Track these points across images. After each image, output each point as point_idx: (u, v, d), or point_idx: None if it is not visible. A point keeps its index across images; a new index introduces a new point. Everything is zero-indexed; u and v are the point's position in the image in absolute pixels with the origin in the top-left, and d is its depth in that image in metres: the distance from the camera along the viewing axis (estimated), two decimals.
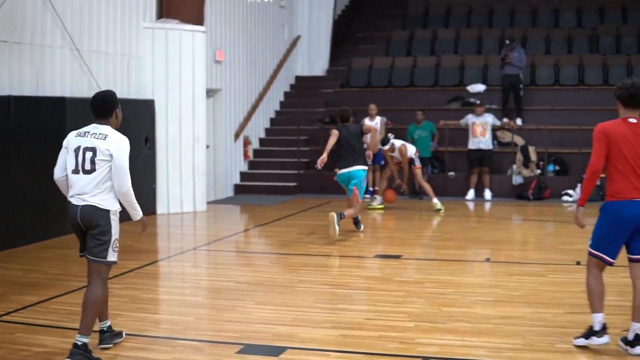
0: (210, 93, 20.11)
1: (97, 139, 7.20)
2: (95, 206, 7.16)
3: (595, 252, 7.65)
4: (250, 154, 22.86)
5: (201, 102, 18.29)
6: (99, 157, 7.16)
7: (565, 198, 20.41)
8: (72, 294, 9.69)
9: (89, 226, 7.19)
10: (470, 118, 20.47)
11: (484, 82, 24.17)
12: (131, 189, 7.38)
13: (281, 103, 25.48)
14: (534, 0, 28.67)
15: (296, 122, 23.40)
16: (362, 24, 30.13)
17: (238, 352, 7.35)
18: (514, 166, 21.11)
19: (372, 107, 20.92)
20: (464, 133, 20.66)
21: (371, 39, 28.52)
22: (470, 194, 20.56)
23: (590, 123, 21.31)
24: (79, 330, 7.04)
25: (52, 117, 14.14)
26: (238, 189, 22.03)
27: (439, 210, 17.83)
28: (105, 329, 7.62)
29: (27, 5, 13.97)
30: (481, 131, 20.26)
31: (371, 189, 20.82)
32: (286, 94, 25.93)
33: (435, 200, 17.98)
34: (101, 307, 7.35)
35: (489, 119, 20.45)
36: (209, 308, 9.45)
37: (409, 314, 8.70)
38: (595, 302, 7.48)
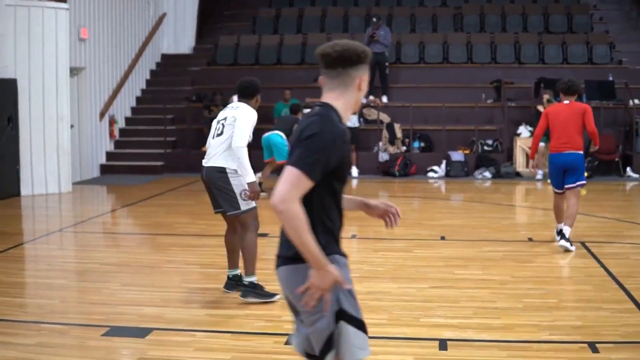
0: (74, 71, 19.76)
1: (230, 109, 8.61)
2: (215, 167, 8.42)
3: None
4: (116, 133, 22.57)
5: (65, 80, 17.94)
6: (227, 122, 8.43)
7: (430, 174, 20.79)
8: None
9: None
10: None
11: None
12: (244, 147, 8.28)
13: (147, 81, 25.19)
14: None
15: (162, 100, 23.17)
16: (228, 1, 29.95)
17: (104, 335, 7.29)
18: (380, 143, 21.39)
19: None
20: None
21: (238, 17, 28.42)
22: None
23: (455, 100, 22.03)
24: (245, 272, 8.46)
25: None
26: (104, 169, 21.74)
27: None
28: (230, 276, 8.81)
29: None
30: None
31: None
32: (152, 72, 25.65)
33: None
34: (255, 249, 8.48)
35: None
36: (75, 290, 9.33)
37: (276, 291, 8.76)
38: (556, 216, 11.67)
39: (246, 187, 8.32)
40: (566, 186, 11.24)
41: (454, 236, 12.37)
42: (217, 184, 8.40)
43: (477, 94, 22.36)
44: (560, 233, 11.19)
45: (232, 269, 8.84)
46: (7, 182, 16.91)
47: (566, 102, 11.33)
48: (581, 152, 11.24)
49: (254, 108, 8.62)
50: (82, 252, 11.92)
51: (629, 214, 15.12)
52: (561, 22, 25.64)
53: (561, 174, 11.30)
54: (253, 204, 8.43)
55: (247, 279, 8.42)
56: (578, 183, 11.20)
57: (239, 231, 8.53)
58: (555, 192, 11.51)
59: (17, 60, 17.18)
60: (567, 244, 10.91)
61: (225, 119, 8.50)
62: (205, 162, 8.52)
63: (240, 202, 8.35)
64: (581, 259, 10.65)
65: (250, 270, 8.41)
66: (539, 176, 19.67)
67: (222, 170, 8.34)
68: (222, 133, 8.43)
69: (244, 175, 8.28)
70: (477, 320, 7.69)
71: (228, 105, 8.80)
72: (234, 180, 8.34)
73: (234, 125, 8.33)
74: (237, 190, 8.34)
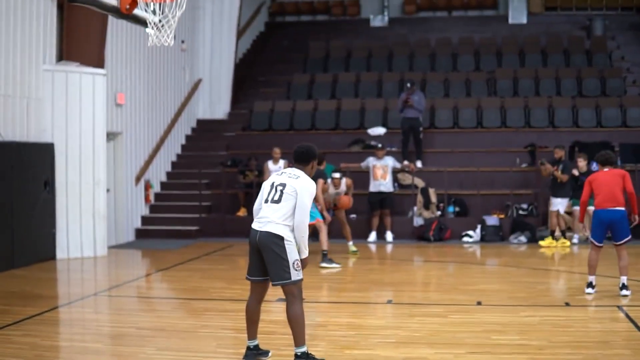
0: (110, 136, 19.93)
1: (290, 177, 8.56)
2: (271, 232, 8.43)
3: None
4: (152, 197, 22.69)
5: (101, 145, 18.10)
6: (287, 191, 8.44)
7: (465, 239, 20.69)
8: None
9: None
10: (371, 161, 20.66)
11: (384, 125, 24.48)
12: (306, 223, 8.47)
13: (182, 146, 25.38)
14: (432, 44, 29.22)
15: (198, 165, 23.33)
16: (263, 68, 30.30)
17: None
18: (415, 208, 21.35)
19: (277, 151, 21.01)
20: (365, 176, 20.81)
21: (272, 83, 28.67)
22: (372, 236, 20.69)
23: (489, 164, 22.00)
24: (295, 344, 8.39)
25: None
26: (139, 233, 21.82)
27: (355, 252, 18.03)
28: (251, 346, 8.86)
29: None
30: (382, 174, 20.45)
31: None
32: (188, 137, 25.85)
33: (350, 243, 18.18)
34: (304, 319, 8.48)
35: (390, 161, 20.67)
36: (110, 355, 9.30)
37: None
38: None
39: (298, 258, 8.40)
40: (616, 243, 12.48)
41: (490, 301, 12.26)
42: (273, 250, 8.35)
43: (512, 158, 22.32)
44: (590, 285, 12.59)
45: (253, 340, 8.85)
46: (44, 245, 17.00)
47: (605, 169, 12.68)
48: (625, 209, 12.38)
49: (310, 175, 8.68)
50: (117, 316, 11.90)
51: None
52: (594, 85, 25.61)
53: (605, 229, 12.48)
54: (302, 275, 8.45)
55: (298, 350, 8.37)
56: (626, 239, 12.40)
57: (288, 301, 8.50)
58: (595, 246, 12.57)
59: (55, 124, 17.38)
60: (627, 292, 12.23)
61: (283, 185, 8.47)
62: (260, 227, 8.46)
63: (292, 272, 8.35)
64: (619, 322, 10.53)
65: (301, 340, 8.38)
66: (575, 240, 19.54)
67: (280, 238, 8.33)
68: (279, 200, 8.41)
69: (301, 250, 8.39)
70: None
71: (286, 170, 8.73)
72: (289, 248, 8.34)
73: (296, 198, 8.37)
74: (291, 260, 8.33)
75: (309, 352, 8.39)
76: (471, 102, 25.27)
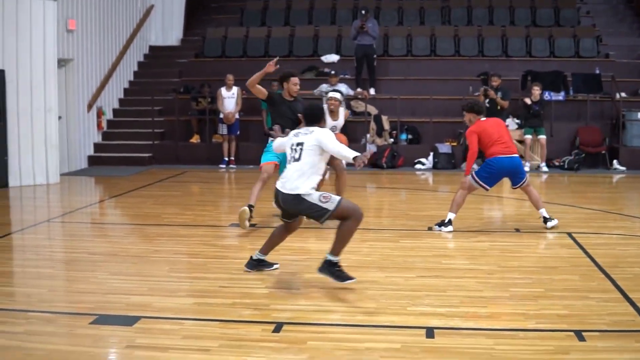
0: (62, 63, 19.74)
1: (305, 134, 8.71)
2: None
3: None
4: (104, 124, 22.56)
5: (52, 72, 17.91)
6: (307, 147, 8.58)
7: (418, 166, 20.86)
8: None
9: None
10: (324, 87, 20.55)
11: (337, 53, 24.44)
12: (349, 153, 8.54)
13: (135, 73, 25.17)
14: None
15: (150, 92, 23.16)
16: None
17: (92, 323, 7.29)
18: (368, 135, 21.43)
19: (230, 77, 20.97)
20: (317, 102, 20.77)
21: (225, 9, 28.47)
22: None
23: (442, 93, 22.08)
24: (331, 251, 8.52)
25: None
26: (92, 160, 21.72)
27: None
28: (254, 257, 9.32)
29: None
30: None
31: (226, 158, 20.92)
32: (140, 63, 25.63)
33: None
34: (350, 237, 8.63)
35: (343, 88, 20.66)
36: (63, 280, 9.33)
37: (263, 281, 8.79)
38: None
39: (320, 193, 8.46)
40: (519, 186, 12.21)
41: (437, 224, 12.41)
42: (298, 207, 8.52)
43: (465, 87, 22.41)
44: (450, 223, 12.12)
45: (262, 254, 9.26)
46: None
47: (482, 118, 12.22)
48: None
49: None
50: (70, 242, 11.90)
51: (616, 206, 15.18)
52: (548, 15, 25.73)
53: (504, 176, 12.21)
54: (336, 199, 8.43)
55: (332, 258, 8.50)
56: (526, 179, 12.22)
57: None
58: (476, 188, 12.23)
59: (5, 51, 17.14)
60: (553, 222, 12.16)
61: (301, 144, 8.62)
62: (281, 187, 8.58)
63: (326, 205, 8.33)
64: (568, 249, 10.71)
65: (337, 251, 8.51)
66: (526, 168, 19.78)
67: (298, 198, 8.40)
68: (299, 158, 8.56)
69: (347, 156, 8.54)
70: (464, 309, 7.73)
71: (299, 131, 8.86)
72: (310, 197, 8.39)
73: (319, 150, 8.56)
74: (316, 201, 8.36)
75: (340, 266, 8.55)
76: (425, 31, 25.28)
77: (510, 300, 8.08)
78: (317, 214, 8.38)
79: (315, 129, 8.71)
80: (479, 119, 12.11)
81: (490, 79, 20.30)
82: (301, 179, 8.44)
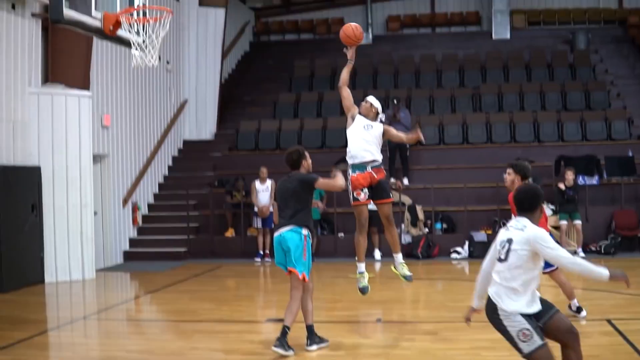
0: (97, 158, 19.91)
1: (516, 229, 7.17)
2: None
3: None
4: (139, 219, 22.65)
5: (88, 167, 18.09)
6: (515, 247, 7.06)
7: (454, 255, 20.71)
8: None
9: None
10: None
11: None
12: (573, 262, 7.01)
13: (169, 168, 25.37)
14: (416, 60, 29.35)
15: (185, 186, 23.31)
16: (249, 87, 30.32)
17: None
18: (402, 225, 21.37)
19: (263, 171, 21.04)
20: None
21: (258, 102, 28.72)
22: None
23: (475, 180, 22.02)
24: None
25: None
26: (128, 255, 21.75)
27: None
28: None
29: None
30: None
31: (261, 252, 20.92)
32: (174, 158, 25.84)
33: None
34: None
35: None
36: None
37: None
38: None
39: (523, 327, 7.01)
40: (549, 271, 11.79)
41: (479, 318, 12.22)
42: (492, 321, 7.33)
43: (498, 174, 22.31)
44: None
45: None
46: (31, 269, 16.94)
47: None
48: None
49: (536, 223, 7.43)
50: (106, 339, 11.87)
51: None
52: (579, 99, 25.76)
53: None
54: (535, 343, 6.98)
55: None
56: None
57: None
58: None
59: (41, 147, 17.36)
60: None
61: (510, 240, 7.14)
62: (490, 293, 7.31)
63: (520, 344, 7.03)
64: (608, 336, 10.55)
65: None
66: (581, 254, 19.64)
67: (494, 310, 7.20)
68: (506, 259, 7.11)
69: (599, 276, 7.04)
70: None
71: (509, 225, 7.31)
72: (507, 322, 7.10)
73: (529, 252, 7.00)
74: (512, 332, 7.09)
75: None
76: (456, 118, 25.36)
77: None
78: (512, 343, 7.14)
79: (528, 224, 7.13)
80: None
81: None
82: (507, 284, 7.09)
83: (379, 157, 11.42)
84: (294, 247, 10.10)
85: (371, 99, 11.79)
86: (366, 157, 11.17)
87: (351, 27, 11.77)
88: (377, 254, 20.59)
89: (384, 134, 11.48)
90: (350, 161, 11.38)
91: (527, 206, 7.24)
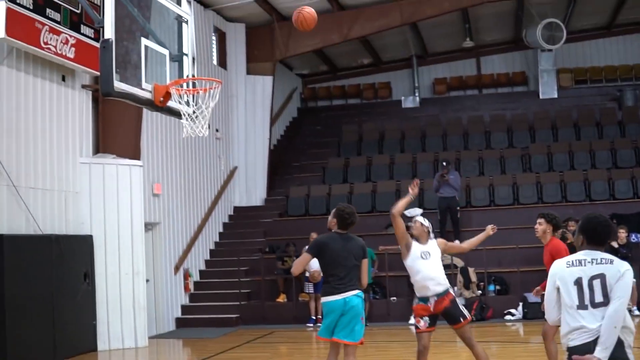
0: (148, 226, 20.06)
1: (602, 263, 6.22)
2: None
3: None
4: (191, 286, 22.70)
5: (140, 235, 18.22)
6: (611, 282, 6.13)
7: (507, 317, 20.50)
8: None
9: None
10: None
11: (420, 206, 24.43)
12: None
13: (220, 234, 25.48)
14: (464, 122, 29.37)
15: (236, 253, 23.38)
16: (297, 153, 30.52)
17: None
18: (455, 288, 21.21)
19: (313, 236, 20.98)
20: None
21: (307, 168, 28.84)
22: (413, 318, 20.43)
23: (527, 241, 21.82)
24: None
25: None
26: (180, 322, 21.78)
27: None
28: None
29: None
30: None
31: (313, 317, 20.83)
32: (225, 224, 25.96)
33: None
34: None
35: (430, 241, 20.53)
36: None
37: None
38: None
39: None
40: None
41: None
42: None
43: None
44: None
45: None
46: (84, 337, 17.02)
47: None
48: None
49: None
50: None
51: None
52: (629, 156, 25.59)
53: None
54: None
55: None
56: None
57: None
58: None
59: (93, 216, 17.54)
60: None
61: (601, 276, 6.19)
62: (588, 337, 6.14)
63: None
64: None
65: None
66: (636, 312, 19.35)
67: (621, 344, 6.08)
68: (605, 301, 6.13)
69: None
70: None
71: (584, 257, 6.31)
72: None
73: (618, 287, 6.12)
74: None
75: None
76: (506, 179, 25.27)
77: None
78: None
79: (615, 258, 6.28)
80: (553, 237, 11.47)
81: (568, 224, 20.03)
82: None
83: (443, 283, 11.03)
84: (362, 313, 9.81)
85: (420, 218, 11.40)
86: (429, 290, 10.80)
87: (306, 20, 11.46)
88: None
89: (444, 252, 11.35)
90: (415, 292, 11.10)
91: (601, 239, 6.37)
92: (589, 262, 6.21)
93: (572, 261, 6.27)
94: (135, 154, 18.63)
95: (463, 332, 10.74)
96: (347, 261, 9.85)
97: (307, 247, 9.93)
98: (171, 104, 11.97)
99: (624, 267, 6.15)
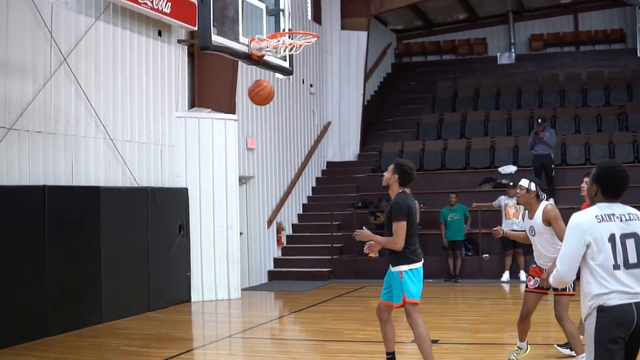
0: (242, 180, 20.22)
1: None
2: None
3: None
4: (284, 240, 22.87)
5: (234, 189, 18.37)
6: None
7: None
8: None
9: None
10: (502, 199, 20.39)
11: (514, 164, 24.20)
12: None
13: (313, 189, 25.58)
14: (561, 79, 28.87)
15: (328, 207, 23.43)
16: (391, 109, 30.39)
17: None
18: None
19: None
20: (496, 214, 20.55)
21: (401, 124, 28.71)
22: (505, 275, 20.34)
23: (623, 200, 21.44)
24: None
25: (87, 206, 14.29)
26: (272, 275, 21.99)
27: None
28: None
29: (61, 96, 14.20)
30: (514, 212, 20.06)
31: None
32: (318, 179, 26.04)
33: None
34: None
35: None
36: None
37: None
38: None
39: None
40: None
41: None
42: None
43: None
44: None
45: None
46: (179, 288, 17.29)
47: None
48: None
49: None
50: (251, 357, 11.99)
51: None
52: None
53: None
54: None
55: None
56: None
57: None
58: None
59: (188, 170, 17.72)
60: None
61: (634, 235, 5.77)
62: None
63: None
64: None
65: None
66: None
67: None
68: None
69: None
70: None
71: (617, 213, 5.87)
72: None
73: None
74: None
75: None
76: (602, 138, 24.81)
77: None
78: None
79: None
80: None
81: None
82: None
83: (553, 256, 9.40)
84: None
85: (525, 182, 10.08)
86: (539, 262, 10.03)
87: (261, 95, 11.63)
88: (523, 275, 20.26)
89: (546, 222, 9.75)
90: None
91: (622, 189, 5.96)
92: (617, 217, 5.77)
93: (602, 215, 5.78)
94: (230, 109, 18.74)
95: (560, 304, 9.92)
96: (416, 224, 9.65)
97: (397, 213, 9.42)
98: (268, 57, 12.00)
99: None
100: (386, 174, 9.78)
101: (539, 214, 9.80)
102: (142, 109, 16.68)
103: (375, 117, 29.87)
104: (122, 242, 15.36)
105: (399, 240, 9.32)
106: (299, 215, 24.35)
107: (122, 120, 16.04)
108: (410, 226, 9.45)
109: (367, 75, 28.99)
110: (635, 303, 5.53)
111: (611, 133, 25.10)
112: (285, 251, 22.96)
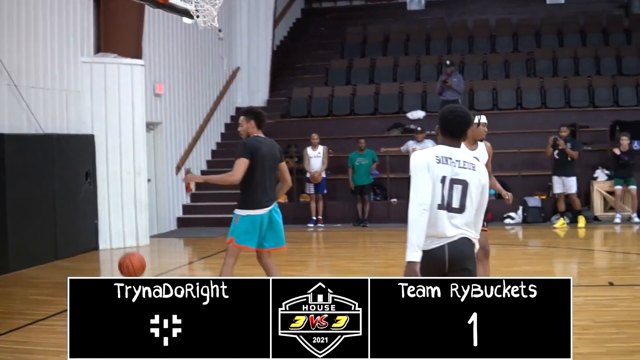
0: (150, 126, 20.05)
1: (465, 168, 6.03)
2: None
3: None
4: (192, 186, 22.78)
5: (141, 135, 18.20)
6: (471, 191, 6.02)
7: (507, 221, 20.59)
8: (15, 332, 9.56)
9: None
10: (410, 144, 20.61)
11: (423, 109, 24.39)
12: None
13: (222, 135, 25.48)
14: (470, 26, 29.08)
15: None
16: (300, 55, 30.28)
17: None
18: None
19: (315, 137, 21.08)
20: (404, 160, 20.67)
21: (310, 69, 28.66)
22: None
23: (529, 145, 21.83)
24: None
25: None
26: (181, 222, 21.93)
27: None
28: None
29: None
30: None
31: (314, 217, 20.94)
32: (227, 125, 25.92)
33: None
34: None
35: (430, 145, 20.55)
36: None
37: None
38: None
39: None
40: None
41: None
42: (468, 265, 6.11)
43: None
44: None
45: None
46: (86, 236, 17.13)
47: None
48: None
49: None
50: None
51: None
52: (635, 64, 25.30)
53: None
54: None
55: None
56: None
57: None
58: None
59: (94, 116, 17.48)
60: None
61: (463, 182, 6.07)
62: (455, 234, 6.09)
63: None
64: None
65: None
66: (617, 219, 19.43)
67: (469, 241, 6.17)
68: (463, 208, 6.11)
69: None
70: None
71: (454, 158, 6.08)
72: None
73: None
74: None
75: None
76: (510, 83, 25.13)
77: (606, 356, 7.91)
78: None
79: (477, 163, 6.16)
80: None
81: (560, 130, 19.96)
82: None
83: None
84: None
85: (484, 119, 10.23)
86: None
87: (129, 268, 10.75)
88: None
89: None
90: None
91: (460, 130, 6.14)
92: (453, 162, 6.00)
93: (441, 157, 6.01)
94: (137, 54, 18.49)
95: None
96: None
97: (239, 151, 9.63)
98: (173, 0, 11.87)
99: (485, 177, 6.10)
100: (242, 126, 10.10)
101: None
102: (47, 55, 16.35)
103: (285, 62, 29.76)
104: (28, 191, 15.12)
105: (235, 173, 9.81)
106: (208, 162, 24.24)
107: (27, 65, 15.70)
108: (256, 170, 9.76)
109: (277, 20, 28.85)
110: (448, 243, 6.01)
111: (519, 79, 25.42)
112: (194, 197, 22.89)
